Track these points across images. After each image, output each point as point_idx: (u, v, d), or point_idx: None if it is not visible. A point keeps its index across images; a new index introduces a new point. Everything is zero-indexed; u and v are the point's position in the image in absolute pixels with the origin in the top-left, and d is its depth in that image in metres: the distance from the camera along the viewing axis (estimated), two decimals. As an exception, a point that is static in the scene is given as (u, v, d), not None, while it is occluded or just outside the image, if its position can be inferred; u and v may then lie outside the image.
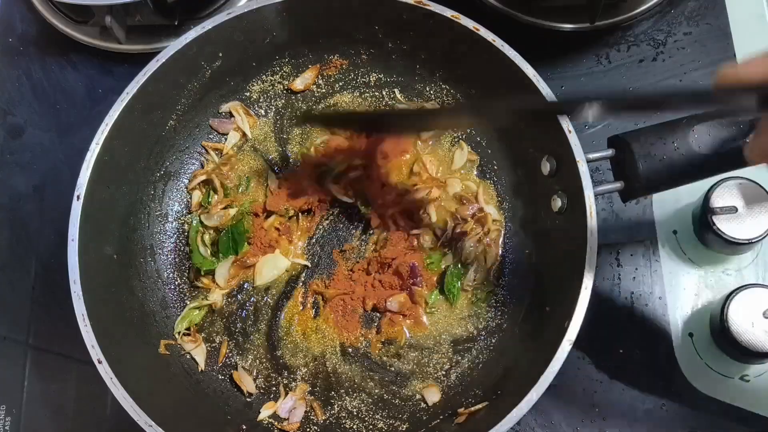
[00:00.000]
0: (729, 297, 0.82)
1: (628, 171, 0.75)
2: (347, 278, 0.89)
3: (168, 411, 0.75)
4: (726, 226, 0.84)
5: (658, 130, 0.74)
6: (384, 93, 0.95)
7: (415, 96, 0.94)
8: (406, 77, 0.94)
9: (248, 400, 0.85)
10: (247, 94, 0.95)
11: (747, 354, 0.81)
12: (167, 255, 0.90)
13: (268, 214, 0.90)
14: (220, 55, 0.88)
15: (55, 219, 0.98)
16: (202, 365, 0.86)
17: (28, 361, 0.93)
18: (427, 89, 0.94)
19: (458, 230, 0.88)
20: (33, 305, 0.95)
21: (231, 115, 0.95)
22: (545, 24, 0.98)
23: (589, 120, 0.75)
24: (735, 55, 0.97)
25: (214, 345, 0.88)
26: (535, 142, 0.84)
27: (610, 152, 0.77)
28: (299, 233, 0.91)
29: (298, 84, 0.95)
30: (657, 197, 0.92)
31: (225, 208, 0.90)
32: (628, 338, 0.88)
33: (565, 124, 0.76)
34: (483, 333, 0.86)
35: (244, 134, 0.95)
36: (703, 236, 0.88)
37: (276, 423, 0.83)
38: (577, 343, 0.70)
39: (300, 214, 0.91)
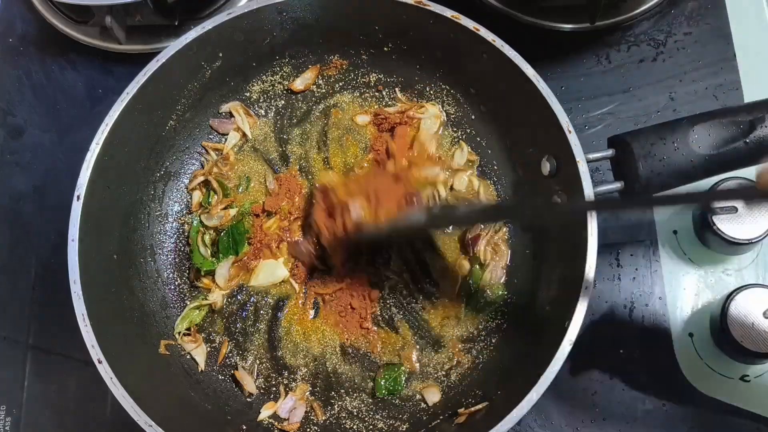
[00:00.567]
0: (729, 297, 0.82)
1: (628, 171, 0.75)
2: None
3: (168, 411, 0.75)
4: (726, 226, 0.84)
5: (658, 130, 0.74)
6: (384, 93, 0.95)
7: (416, 96, 0.94)
8: (406, 77, 0.94)
9: (248, 400, 0.85)
10: (247, 94, 0.95)
11: (747, 354, 0.81)
12: (167, 255, 0.90)
13: (269, 214, 0.90)
14: (220, 55, 0.88)
15: (55, 219, 0.98)
16: (202, 365, 0.86)
17: (28, 361, 0.93)
18: (427, 89, 0.94)
19: (471, 235, 0.88)
20: (33, 305, 0.95)
21: (231, 115, 0.95)
22: (545, 24, 0.98)
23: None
24: (735, 55, 0.97)
25: (214, 345, 0.88)
26: (535, 142, 0.84)
27: (610, 152, 0.77)
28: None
29: (298, 84, 0.95)
30: (657, 197, 0.92)
31: (225, 208, 0.90)
32: (628, 338, 0.88)
33: (565, 124, 0.76)
34: (483, 333, 0.86)
35: (244, 134, 0.95)
36: (703, 236, 0.88)
37: (276, 423, 0.83)
38: (577, 343, 0.70)
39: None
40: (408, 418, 0.83)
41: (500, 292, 0.87)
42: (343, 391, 0.85)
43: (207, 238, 0.90)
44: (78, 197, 0.77)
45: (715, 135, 0.72)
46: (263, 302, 0.89)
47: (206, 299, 0.88)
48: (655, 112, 0.96)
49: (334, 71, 0.95)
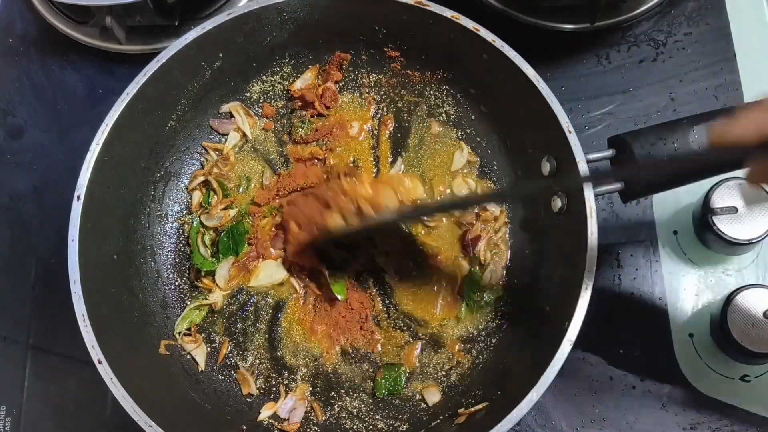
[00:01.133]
0: (729, 297, 0.82)
1: (628, 171, 0.75)
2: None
3: (168, 411, 0.75)
4: (726, 226, 0.84)
5: (658, 130, 0.74)
6: (384, 93, 0.95)
7: (416, 96, 0.94)
8: (407, 77, 0.94)
9: (248, 400, 0.85)
10: (247, 94, 0.95)
11: (747, 354, 0.81)
12: (167, 255, 0.90)
13: (263, 213, 0.90)
14: (221, 55, 0.88)
15: (55, 219, 0.98)
16: (202, 365, 0.86)
17: (28, 361, 0.93)
18: (427, 89, 0.94)
19: (471, 235, 0.88)
20: (33, 305, 0.95)
21: (231, 115, 0.95)
22: (545, 24, 0.98)
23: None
24: (735, 55, 0.97)
25: (214, 345, 0.88)
26: (535, 143, 0.84)
27: (610, 152, 0.77)
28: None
29: (299, 84, 0.95)
30: (657, 197, 0.92)
31: (225, 208, 0.90)
32: (628, 338, 0.88)
33: (565, 124, 0.76)
34: (483, 333, 0.86)
35: (244, 134, 0.95)
36: (703, 236, 0.88)
37: (276, 423, 0.83)
38: (577, 343, 0.70)
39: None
40: (408, 418, 0.83)
41: (500, 293, 0.87)
42: (343, 391, 0.85)
43: (207, 238, 0.90)
44: (78, 197, 0.77)
45: (715, 135, 0.72)
46: (263, 302, 0.89)
47: (206, 299, 0.88)
48: (655, 112, 0.96)
49: (340, 76, 0.95)
